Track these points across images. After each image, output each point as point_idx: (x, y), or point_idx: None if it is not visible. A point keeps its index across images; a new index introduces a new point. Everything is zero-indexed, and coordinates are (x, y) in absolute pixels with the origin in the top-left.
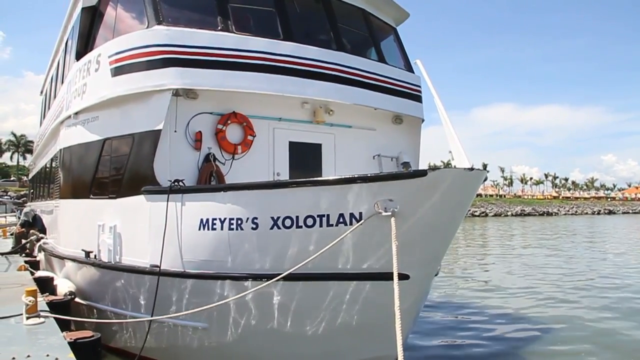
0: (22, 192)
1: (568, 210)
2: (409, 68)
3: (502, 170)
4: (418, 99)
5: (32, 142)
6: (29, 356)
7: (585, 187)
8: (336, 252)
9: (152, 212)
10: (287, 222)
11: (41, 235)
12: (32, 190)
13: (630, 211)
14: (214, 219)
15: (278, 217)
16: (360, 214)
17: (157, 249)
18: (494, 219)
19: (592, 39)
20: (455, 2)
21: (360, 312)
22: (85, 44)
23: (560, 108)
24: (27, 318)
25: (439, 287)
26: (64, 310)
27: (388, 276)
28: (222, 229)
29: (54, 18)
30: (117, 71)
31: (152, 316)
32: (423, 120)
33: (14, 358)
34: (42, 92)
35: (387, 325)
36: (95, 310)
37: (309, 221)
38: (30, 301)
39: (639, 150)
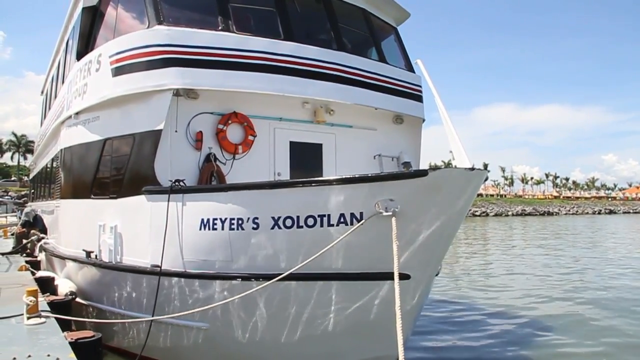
0: (22, 192)
1: (569, 210)
2: (409, 68)
3: (503, 170)
4: (419, 98)
5: (32, 142)
6: (29, 356)
7: (586, 186)
8: (337, 252)
9: (153, 212)
10: (288, 222)
11: (42, 235)
12: (32, 191)
13: (631, 211)
14: (214, 219)
15: (279, 217)
16: (361, 214)
17: (158, 249)
18: (495, 218)
19: (593, 39)
20: (455, 2)
21: (361, 312)
22: (86, 44)
23: (561, 108)
24: (28, 318)
25: (440, 286)
26: (65, 310)
27: (389, 276)
28: (223, 229)
29: (55, 18)
30: (118, 71)
31: (153, 316)
32: (424, 120)
33: (14, 358)
34: (42, 92)
35: (388, 325)
36: (96, 310)
37: (310, 221)
38: (31, 301)
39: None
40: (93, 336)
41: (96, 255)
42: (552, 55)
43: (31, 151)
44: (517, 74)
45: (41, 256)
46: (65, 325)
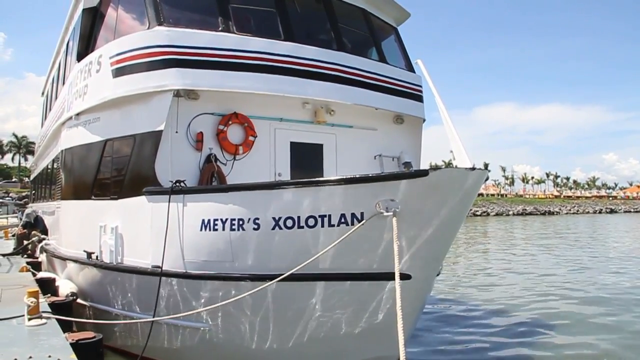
0: (23, 194)
1: (569, 210)
2: (410, 68)
3: (504, 170)
4: (419, 98)
5: (33, 143)
6: (30, 357)
7: (586, 186)
8: (338, 253)
9: (154, 212)
10: (289, 223)
11: (43, 236)
12: (33, 192)
13: (632, 210)
14: (215, 220)
15: (279, 218)
16: (362, 214)
17: (159, 249)
18: (496, 218)
19: (593, 38)
20: (456, 2)
21: (362, 312)
22: (87, 45)
23: (561, 107)
24: (29, 319)
25: (441, 286)
26: (66, 311)
27: (390, 276)
28: (223, 229)
29: (55, 19)
30: (118, 72)
31: (154, 317)
32: (424, 120)
33: (16, 359)
34: (43, 94)
35: (389, 325)
36: (97, 311)
37: (311, 221)
38: (32, 302)
39: None
40: (94, 337)
41: (97, 256)
42: (552, 54)
43: (32, 152)
44: (517, 74)
45: (42, 257)
46: (66, 326)
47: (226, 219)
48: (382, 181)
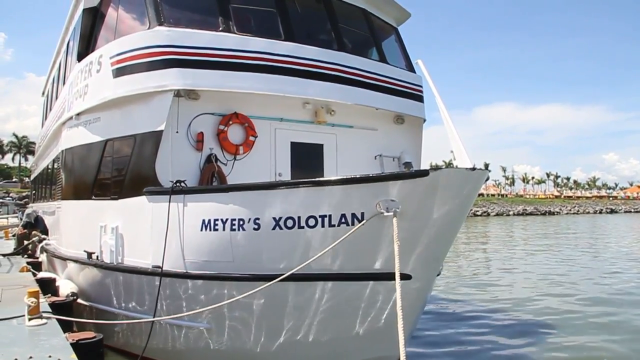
0: (24, 194)
1: (570, 210)
2: (410, 68)
3: (504, 170)
4: (419, 98)
5: (33, 143)
6: (31, 357)
7: (587, 186)
8: (338, 253)
9: (154, 212)
10: (289, 223)
11: (43, 236)
12: (34, 192)
13: (632, 210)
14: (215, 220)
15: (280, 218)
16: (362, 214)
17: (159, 249)
18: (496, 218)
19: (593, 38)
20: (456, 2)
21: (363, 313)
22: (87, 45)
23: (562, 107)
24: (30, 319)
25: (441, 286)
26: (66, 311)
27: (390, 276)
28: (224, 229)
29: (56, 19)
30: (119, 72)
31: (154, 317)
32: (425, 120)
33: (16, 359)
34: (43, 94)
35: (390, 325)
36: (97, 311)
37: (311, 222)
38: (32, 302)
39: None
40: (94, 337)
41: (97, 256)
42: (553, 54)
43: (32, 152)
44: (518, 74)
45: (42, 257)
46: (66, 326)
47: (226, 219)
48: (383, 181)
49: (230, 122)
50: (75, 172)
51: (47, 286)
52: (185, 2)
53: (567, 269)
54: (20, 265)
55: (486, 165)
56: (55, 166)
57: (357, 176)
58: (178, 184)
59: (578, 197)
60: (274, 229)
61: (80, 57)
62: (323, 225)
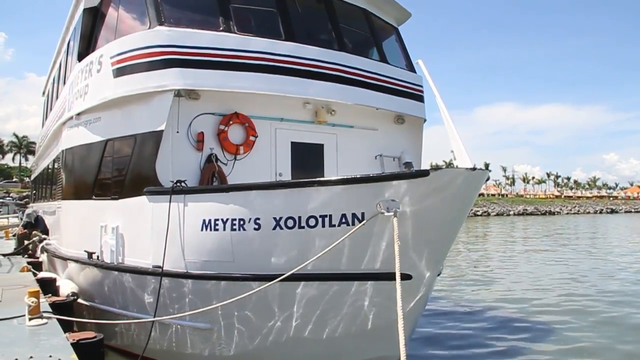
0: (24, 194)
1: (570, 210)
2: (410, 68)
3: (504, 170)
4: (420, 98)
5: (34, 143)
6: (31, 357)
7: (587, 186)
8: (338, 253)
9: (155, 212)
10: (290, 223)
11: (44, 236)
12: (34, 192)
13: (633, 210)
14: (216, 220)
15: (280, 218)
16: (363, 214)
17: (160, 249)
18: (496, 218)
19: (593, 38)
20: (456, 2)
21: (363, 313)
22: (87, 44)
23: (562, 107)
24: (30, 319)
25: (442, 286)
26: (67, 311)
27: (390, 276)
28: (224, 229)
29: (56, 19)
30: (119, 72)
31: (154, 317)
32: (425, 120)
33: (16, 359)
34: (44, 93)
35: (390, 326)
36: (97, 311)
37: (312, 221)
38: (32, 302)
39: None
40: (95, 337)
41: (98, 256)
42: (553, 54)
43: (32, 152)
44: (518, 74)
45: (43, 257)
46: (67, 326)
47: (227, 219)
48: (383, 181)
49: (231, 122)
50: (75, 172)
51: (48, 286)
52: (186, 2)
53: (567, 268)
54: (20, 265)
55: (486, 165)
56: (56, 166)
57: (358, 176)
58: (178, 184)
59: (578, 197)
60: (274, 229)
61: (80, 57)
62: (323, 225)
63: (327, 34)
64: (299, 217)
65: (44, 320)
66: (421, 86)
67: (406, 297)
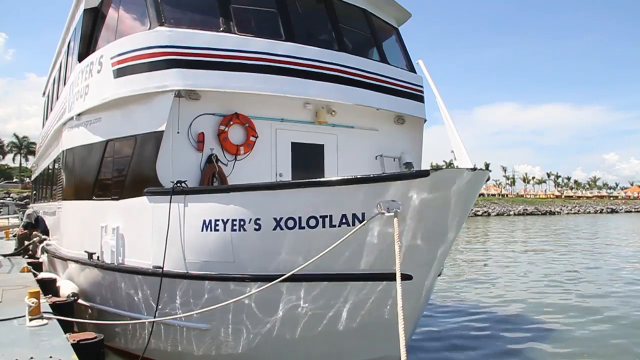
0: (24, 194)
1: (570, 210)
2: (411, 68)
3: (505, 170)
4: (420, 99)
5: (34, 143)
6: (32, 358)
7: (587, 186)
8: (339, 253)
9: (155, 213)
10: (290, 223)
11: (44, 236)
12: (34, 192)
13: (633, 210)
14: (216, 220)
15: (281, 218)
16: (363, 214)
17: (160, 250)
18: (497, 218)
19: (594, 38)
20: (456, 2)
21: (363, 313)
22: (88, 45)
23: (563, 107)
24: (30, 320)
25: (442, 287)
26: (67, 312)
27: (391, 277)
28: (224, 230)
29: (57, 20)
30: (120, 72)
31: (155, 317)
32: (425, 121)
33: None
34: (44, 94)
35: (390, 326)
36: (98, 312)
37: (312, 222)
38: (33, 303)
39: None
40: (95, 337)
41: (98, 257)
42: (554, 54)
43: (33, 153)
44: (519, 74)
45: (43, 258)
46: (67, 327)
47: (227, 220)
48: (384, 182)
49: (231, 123)
50: (76, 173)
51: (48, 287)
52: (186, 3)
53: (567, 269)
54: (21, 266)
55: (487, 165)
56: (56, 166)
57: (358, 176)
58: (179, 185)
59: (579, 197)
60: (274, 229)
61: (81, 58)
62: (324, 226)
63: (327, 34)
64: (300, 218)
65: (45, 321)
66: (421, 86)
67: (407, 298)
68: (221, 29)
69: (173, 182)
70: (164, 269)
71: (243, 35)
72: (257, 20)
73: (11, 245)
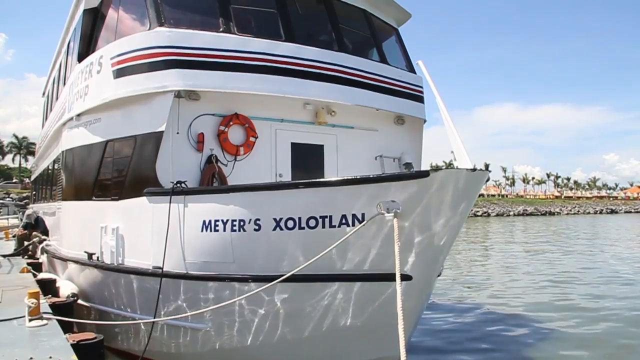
0: (24, 194)
1: (570, 210)
2: (410, 69)
3: (504, 170)
4: (420, 99)
5: (34, 144)
6: (31, 358)
7: (587, 186)
8: (339, 253)
9: (155, 213)
10: (290, 224)
11: (44, 237)
12: (34, 192)
13: (633, 210)
14: (216, 221)
15: (280, 219)
16: (363, 215)
17: (160, 250)
18: (497, 219)
19: (594, 38)
20: (456, 2)
21: (363, 313)
22: (87, 45)
23: (563, 107)
24: (30, 320)
25: (442, 287)
26: (67, 312)
27: (391, 277)
28: (224, 230)
29: (56, 20)
30: (119, 73)
31: (154, 318)
32: (425, 121)
33: None
34: (44, 94)
35: (390, 326)
36: (97, 312)
37: (312, 222)
38: (32, 303)
39: None
40: (95, 338)
41: (98, 257)
42: (554, 55)
43: (32, 153)
44: (519, 74)
45: (43, 258)
46: (67, 327)
47: (227, 220)
48: (383, 182)
49: (231, 123)
50: (75, 173)
51: (48, 287)
52: (186, 3)
53: (567, 269)
54: (20, 266)
55: (486, 166)
56: (56, 167)
57: (358, 177)
58: (179, 185)
59: (578, 198)
60: (274, 229)
61: (80, 58)
62: (324, 226)
63: (327, 34)
64: (299, 218)
65: (44, 321)
66: (421, 87)
67: (406, 298)
68: (221, 29)
69: (173, 182)
70: (164, 270)
71: (243, 35)
72: (257, 20)
73: (11, 246)
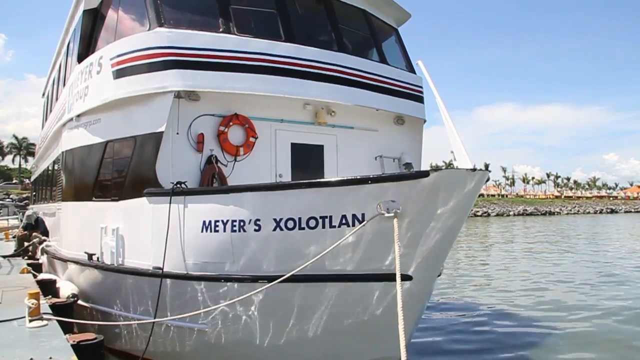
0: (24, 195)
1: (570, 210)
2: (410, 69)
3: (504, 170)
4: (420, 99)
5: (34, 144)
6: (31, 359)
7: (587, 186)
8: (339, 254)
9: (155, 214)
10: (290, 224)
11: (44, 237)
12: (34, 193)
13: (633, 210)
14: (216, 221)
15: (280, 219)
16: (363, 215)
17: (160, 251)
18: (497, 218)
19: (594, 38)
20: (456, 2)
21: (363, 314)
22: (87, 46)
23: (563, 107)
24: (30, 321)
25: (442, 287)
26: (67, 313)
27: (391, 277)
28: (224, 230)
29: (56, 20)
30: (119, 73)
31: (154, 318)
32: (425, 121)
33: None
34: (44, 95)
35: (390, 326)
36: (98, 313)
37: (312, 222)
38: (33, 304)
39: None
40: (95, 338)
41: (98, 258)
42: (554, 55)
43: (32, 154)
44: (519, 74)
45: (43, 259)
46: (67, 328)
47: (227, 220)
48: (383, 182)
49: (231, 123)
50: (75, 174)
51: (48, 288)
52: (186, 3)
53: (566, 269)
54: (20, 267)
55: (486, 166)
56: (56, 167)
57: (358, 177)
58: (178, 185)
59: (578, 198)
60: (274, 230)
61: (80, 59)
62: (324, 227)
63: (326, 35)
64: (299, 218)
65: (44, 322)
66: (421, 87)
67: (407, 298)
68: (221, 29)
69: (173, 182)
70: (164, 270)
71: (242, 36)
72: (256, 20)
73: (11, 247)
